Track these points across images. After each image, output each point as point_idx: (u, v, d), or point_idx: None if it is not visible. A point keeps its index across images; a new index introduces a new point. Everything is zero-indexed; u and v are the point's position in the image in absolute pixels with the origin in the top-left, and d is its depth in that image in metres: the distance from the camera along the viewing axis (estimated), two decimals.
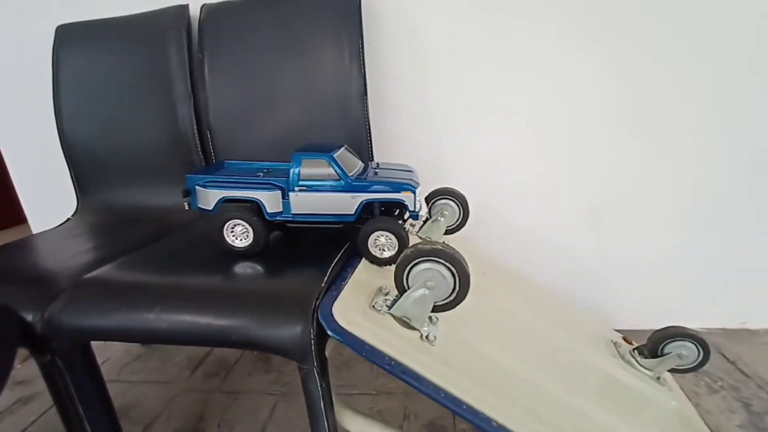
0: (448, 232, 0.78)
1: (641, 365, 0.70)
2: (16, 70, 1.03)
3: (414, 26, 0.88)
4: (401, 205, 0.55)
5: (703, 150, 0.88)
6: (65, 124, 0.90)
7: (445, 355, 0.47)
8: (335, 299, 0.45)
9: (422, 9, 0.86)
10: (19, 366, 1.03)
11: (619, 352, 0.72)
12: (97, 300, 0.50)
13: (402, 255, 0.46)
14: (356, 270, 0.54)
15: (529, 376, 0.53)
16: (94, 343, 1.13)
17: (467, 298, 0.63)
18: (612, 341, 0.75)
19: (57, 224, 0.85)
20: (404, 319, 0.48)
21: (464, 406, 0.41)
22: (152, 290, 0.49)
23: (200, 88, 0.82)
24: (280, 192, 0.55)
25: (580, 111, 0.89)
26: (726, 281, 0.95)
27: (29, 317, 0.48)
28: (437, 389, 0.41)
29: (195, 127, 0.83)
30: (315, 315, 0.43)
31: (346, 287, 0.49)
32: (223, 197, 0.56)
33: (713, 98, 0.85)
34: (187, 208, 0.59)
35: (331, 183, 0.54)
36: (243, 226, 0.55)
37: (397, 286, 0.47)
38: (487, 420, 0.41)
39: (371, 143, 0.80)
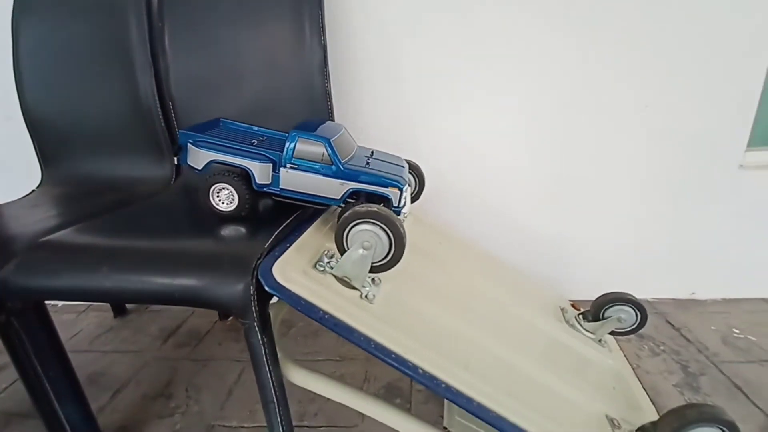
0: None
1: (584, 328, 0.74)
2: None
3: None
4: (386, 199, 0.55)
5: (652, 132, 0.91)
6: (27, 95, 0.89)
7: (383, 313, 0.50)
8: (277, 259, 0.47)
9: None
10: None
11: (564, 317, 0.76)
12: (48, 261, 0.51)
13: (341, 217, 0.48)
14: (305, 233, 0.56)
15: (471, 336, 0.57)
16: (66, 317, 1.14)
17: (420, 265, 0.66)
18: (560, 307, 0.79)
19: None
20: (345, 279, 0.50)
21: (393, 356, 0.44)
22: (100, 252, 0.51)
23: (161, 58, 0.81)
24: (271, 165, 0.55)
25: (540, 92, 0.91)
26: (677, 255, 1.00)
27: None
28: (368, 340, 0.44)
29: (156, 97, 0.82)
30: (255, 273, 0.45)
31: (290, 248, 0.50)
32: (214, 160, 0.56)
33: (661, 83, 0.88)
34: (175, 163, 0.59)
35: (322, 166, 0.54)
36: (229, 191, 0.56)
37: (337, 247, 0.50)
38: (414, 368, 0.44)
39: (333, 116, 0.81)
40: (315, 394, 0.83)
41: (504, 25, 0.87)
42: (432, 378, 0.44)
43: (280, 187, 0.56)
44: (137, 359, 0.95)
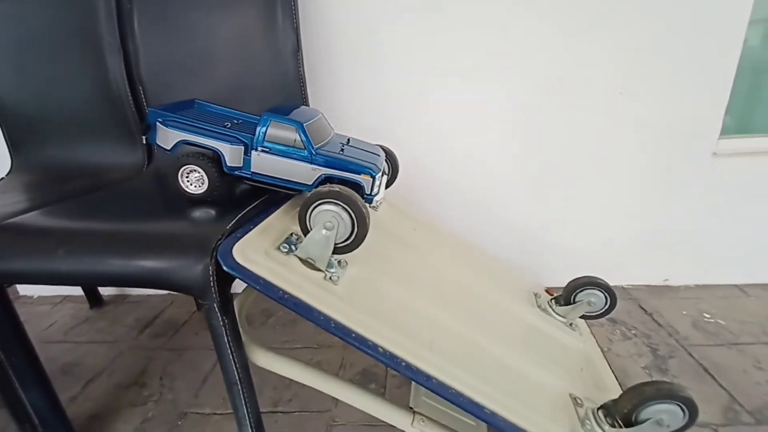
0: None
1: (556, 312, 0.75)
2: None
3: None
4: (358, 186, 0.54)
5: (627, 121, 0.92)
6: None
7: (347, 294, 0.49)
8: (238, 240, 0.46)
9: None
10: None
11: (537, 302, 0.77)
12: (7, 245, 0.50)
13: (304, 199, 0.48)
14: (271, 216, 0.55)
15: (437, 318, 0.57)
16: (42, 308, 1.12)
17: (391, 250, 0.65)
18: (534, 293, 0.80)
19: None
20: (309, 260, 0.50)
21: (353, 335, 0.44)
22: (58, 235, 0.50)
23: (130, 40, 0.79)
24: (243, 147, 0.54)
25: (517, 82, 0.91)
26: (651, 242, 1.01)
27: None
28: (328, 319, 0.44)
29: (126, 81, 0.81)
30: (215, 254, 0.45)
31: (254, 230, 0.50)
32: (184, 140, 0.54)
33: (637, 74, 0.89)
34: (144, 142, 0.57)
35: (295, 150, 0.53)
36: (199, 173, 0.54)
37: (301, 228, 0.49)
38: (374, 346, 0.44)
39: (307, 101, 0.80)
40: (290, 380, 0.83)
41: (482, 14, 0.86)
42: (392, 356, 0.44)
43: (252, 170, 0.55)
44: (112, 349, 0.94)
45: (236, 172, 0.55)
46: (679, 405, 0.48)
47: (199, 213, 0.55)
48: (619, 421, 0.51)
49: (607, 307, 0.73)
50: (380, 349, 0.44)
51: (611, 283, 0.83)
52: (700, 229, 1.00)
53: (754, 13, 0.97)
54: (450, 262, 0.76)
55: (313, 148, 0.53)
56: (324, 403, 0.75)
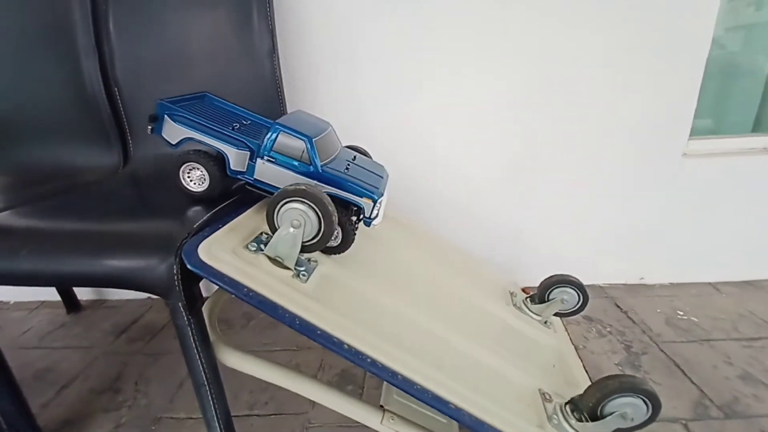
0: None
1: (531, 311, 0.76)
2: None
3: None
4: (358, 207, 0.54)
5: (601, 123, 0.94)
6: None
7: (315, 292, 0.50)
8: (204, 238, 0.46)
9: None
10: None
11: (513, 301, 0.78)
12: None
13: (272, 197, 0.48)
14: (241, 216, 0.55)
15: (408, 316, 0.57)
16: (17, 314, 1.10)
17: (363, 248, 0.66)
18: (510, 291, 0.81)
19: None
20: (278, 259, 0.50)
21: (319, 332, 0.44)
22: (22, 235, 0.49)
23: (105, 42, 0.79)
24: (248, 154, 0.53)
25: (493, 81, 0.92)
26: (626, 242, 1.03)
27: None
28: (293, 317, 0.44)
29: (101, 82, 0.80)
30: (179, 252, 0.45)
31: (221, 229, 0.50)
32: (190, 137, 0.53)
33: (610, 78, 0.91)
34: (149, 132, 0.55)
35: (301, 164, 0.52)
36: (202, 172, 0.54)
37: (269, 226, 0.49)
38: (340, 343, 0.44)
39: (284, 102, 0.80)
40: (267, 383, 0.83)
41: (459, 15, 0.88)
42: (358, 353, 0.45)
43: (254, 176, 0.54)
44: (87, 355, 0.92)
45: (239, 176, 0.55)
46: (642, 398, 0.49)
47: (166, 212, 0.55)
48: (586, 416, 0.52)
49: (580, 304, 0.74)
50: (346, 346, 0.44)
51: (588, 282, 0.84)
52: (673, 228, 1.02)
53: (735, 20, 1.02)
54: (425, 262, 0.77)
55: (319, 164, 0.52)
56: (300, 405, 0.74)
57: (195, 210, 0.54)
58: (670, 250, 1.04)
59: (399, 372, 0.45)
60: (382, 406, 0.54)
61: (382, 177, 0.61)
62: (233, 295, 0.44)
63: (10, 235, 0.50)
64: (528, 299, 0.79)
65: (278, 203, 0.48)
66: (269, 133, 0.52)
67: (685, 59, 0.90)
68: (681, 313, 0.93)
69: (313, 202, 0.47)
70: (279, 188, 0.52)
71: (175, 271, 0.44)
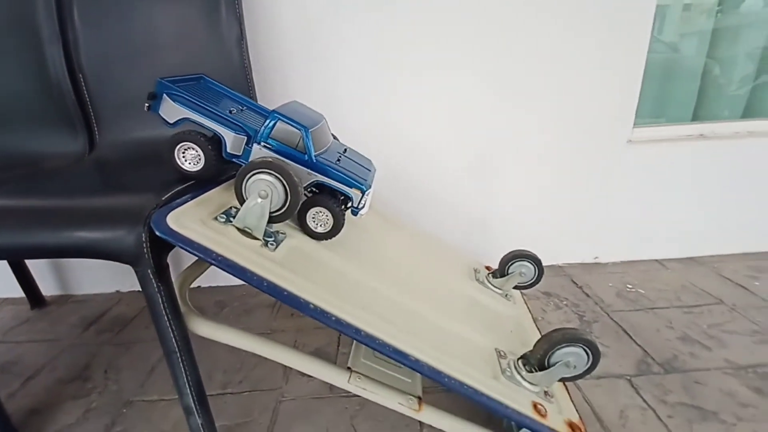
0: None
1: (492, 285, 0.81)
2: None
3: None
4: (347, 197, 0.58)
5: (556, 114, 1.01)
6: None
7: (284, 260, 0.52)
8: (173, 209, 0.48)
9: None
10: None
11: (476, 276, 0.83)
12: None
13: (240, 169, 0.51)
14: (212, 191, 0.57)
15: (373, 285, 0.61)
16: None
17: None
18: (474, 269, 0.86)
19: None
20: (246, 229, 0.53)
21: (285, 293, 0.47)
22: None
23: (69, 29, 0.79)
24: (245, 138, 0.55)
25: (460, 71, 0.98)
26: (582, 224, 1.11)
27: None
28: (260, 279, 0.46)
29: (66, 70, 0.80)
30: (148, 221, 0.46)
31: (191, 202, 0.52)
32: (188, 118, 0.54)
33: (563, 73, 0.98)
34: (146, 109, 0.55)
35: (296, 152, 0.55)
36: (196, 152, 0.55)
37: (237, 198, 0.52)
38: (306, 303, 0.47)
39: (254, 90, 0.82)
40: (241, 363, 0.84)
41: (428, 13, 0.93)
42: (323, 312, 0.48)
43: (249, 161, 0.55)
44: (53, 347, 0.91)
45: (234, 159, 0.56)
46: (582, 347, 0.55)
47: (137, 186, 0.57)
48: (536, 368, 0.57)
49: (536, 276, 0.80)
50: (312, 306, 0.47)
51: (549, 263, 0.90)
52: (622, 209, 1.10)
53: (691, 26, 1.13)
54: (394, 243, 0.80)
55: (313, 154, 0.55)
56: (274, 381, 0.76)
57: (164, 186, 0.56)
58: (621, 231, 1.12)
59: (362, 329, 0.48)
60: (349, 368, 0.57)
61: (370, 170, 0.65)
62: (203, 260, 0.46)
63: None
64: (490, 275, 0.84)
65: (246, 175, 0.51)
66: (268, 120, 0.54)
67: (627, 57, 0.99)
68: (630, 286, 1.01)
69: (279, 173, 0.50)
70: None
71: (144, 239, 0.46)
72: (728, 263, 1.11)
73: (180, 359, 0.52)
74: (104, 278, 1.12)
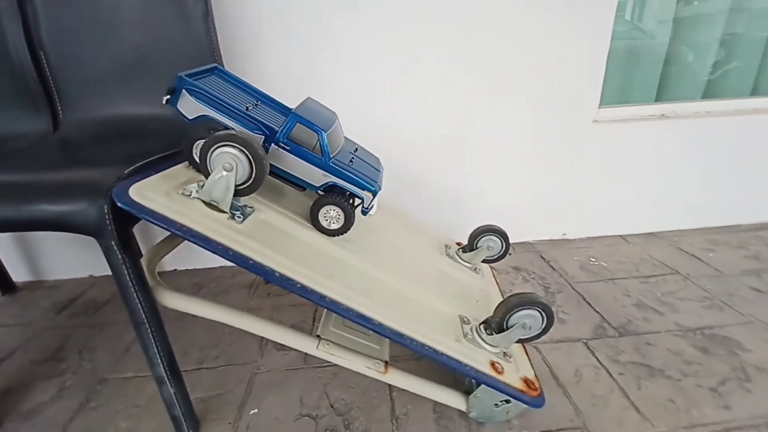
0: None
1: (462, 259, 0.84)
2: None
3: None
4: (359, 198, 0.60)
5: (525, 96, 1.04)
6: None
7: (250, 232, 0.53)
8: (136, 182, 0.49)
9: None
10: None
11: (447, 252, 0.86)
12: None
13: (203, 143, 0.51)
14: (175, 167, 0.57)
15: (341, 257, 0.62)
16: None
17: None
18: (445, 244, 0.89)
19: None
20: (212, 203, 0.53)
21: (251, 262, 0.48)
22: None
23: (28, 3, 0.76)
24: (263, 138, 0.56)
25: (435, 53, 0.99)
26: (550, 202, 1.15)
27: None
28: (225, 249, 0.48)
29: (26, 47, 0.77)
30: (110, 193, 0.47)
31: (155, 176, 0.53)
32: (208, 115, 0.55)
33: (532, 58, 1.01)
34: (164, 103, 0.54)
35: (312, 154, 0.56)
36: None
37: (202, 172, 0.52)
38: (271, 272, 0.49)
39: (222, 64, 0.81)
40: (217, 340, 0.85)
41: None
42: (288, 279, 0.49)
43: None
44: (26, 331, 0.90)
45: None
46: (538, 310, 0.58)
47: (101, 162, 0.56)
48: (496, 330, 0.60)
49: (503, 249, 0.83)
50: (277, 274, 0.49)
51: (519, 240, 0.92)
52: (588, 187, 1.15)
53: (667, 14, 1.15)
54: (366, 220, 0.82)
55: (329, 157, 0.57)
56: (249, 356, 0.78)
57: (129, 160, 0.56)
58: (587, 209, 1.17)
59: (326, 295, 0.50)
60: (318, 336, 0.59)
61: (379, 170, 0.67)
62: (167, 230, 0.47)
63: None
64: (460, 250, 0.87)
65: (210, 148, 0.51)
66: (287, 122, 0.56)
67: (593, 40, 1.01)
68: (594, 260, 1.06)
69: (243, 146, 0.51)
70: (288, 173, 0.58)
71: (106, 211, 0.46)
72: (687, 237, 1.17)
73: (149, 330, 0.53)
74: (77, 263, 1.10)
